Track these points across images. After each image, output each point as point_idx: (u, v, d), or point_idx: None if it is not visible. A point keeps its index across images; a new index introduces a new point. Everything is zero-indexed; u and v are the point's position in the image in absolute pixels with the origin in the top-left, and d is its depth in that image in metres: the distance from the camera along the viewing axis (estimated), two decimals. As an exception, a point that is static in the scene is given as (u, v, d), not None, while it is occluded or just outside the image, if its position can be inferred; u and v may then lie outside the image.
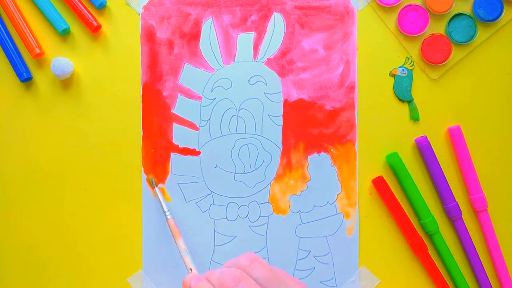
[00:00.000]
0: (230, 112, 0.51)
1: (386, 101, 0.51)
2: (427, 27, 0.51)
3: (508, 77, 0.51)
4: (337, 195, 0.51)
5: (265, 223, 0.51)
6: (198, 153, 0.51)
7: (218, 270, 0.36)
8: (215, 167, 0.51)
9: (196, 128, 0.51)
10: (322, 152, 0.51)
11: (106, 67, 0.52)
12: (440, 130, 0.51)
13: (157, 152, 0.51)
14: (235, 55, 0.51)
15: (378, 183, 0.50)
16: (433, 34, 0.51)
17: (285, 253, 0.51)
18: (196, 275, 0.40)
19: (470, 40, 0.51)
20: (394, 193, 0.51)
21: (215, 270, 0.37)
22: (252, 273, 0.36)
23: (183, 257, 0.47)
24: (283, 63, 0.51)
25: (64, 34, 0.52)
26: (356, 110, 0.51)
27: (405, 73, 0.51)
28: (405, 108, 0.51)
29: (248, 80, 0.51)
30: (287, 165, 0.51)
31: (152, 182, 0.51)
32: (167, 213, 0.49)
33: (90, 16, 0.51)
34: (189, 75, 0.51)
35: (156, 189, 0.50)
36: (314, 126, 0.51)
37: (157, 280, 0.51)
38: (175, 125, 0.51)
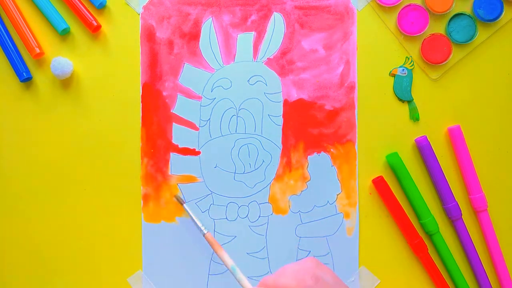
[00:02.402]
0: (230, 112, 0.51)
1: (386, 101, 0.51)
2: (427, 27, 0.51)
3: (508, 77, 0.51)
4: (337, 195, 0.51)
5: (265, 223, 0.51)
6: (198, 153, 0.51)
7: (287, 270, 0.36)
8: (215, 167, 0.51)
9: (196, 128, 0.51)
10: (322, 152, 0.51)
11: (106, 67, 0.52)
12: (440, 130, 0.51)
13: (157, 152, 0.51)
14: (235, 55, 0.51)
15: (378, 183, 0.50)
16: (433, 34, 0.51)
17: (285, 253, 0.51)
18: None
19: (470, 40, 0.51)
20: (394, 193, 0.51)
21: (277, 273, 0.36)
22: (321, 274, 0.36)
23: (231, 272, 0.44)
24: (283, 63, 0.51)
25: (64, 34, 0.52)
26: (356, 110, 0.51)
27: (405, 73, 0.51)
28: (405, 108, 0.51)
29: (248, 80, 0.51)
30: (287, 165, 0.51)
31: (179, 199, 0.50)
32: (203, 228, 0.48)
33: (90, 16, 0.51)
34: (189, 75, 0.51)
35: (185, 205, 0.49)
36: (314, 126, 0.51)
37: (157, 280, 0.51)
38: (175, 125, 0.51)
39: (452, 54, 0.51)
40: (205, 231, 0.47)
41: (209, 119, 0.51)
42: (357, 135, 0.51)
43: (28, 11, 0.52)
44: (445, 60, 0.51)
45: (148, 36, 0.51)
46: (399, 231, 0.51)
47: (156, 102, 0.51)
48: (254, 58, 0.51)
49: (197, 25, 0.51)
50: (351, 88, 0.51)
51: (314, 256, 0.50)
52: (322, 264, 0.38)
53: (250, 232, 0.51)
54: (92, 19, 0.51)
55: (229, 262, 0.44)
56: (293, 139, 0.51)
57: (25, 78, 0.51)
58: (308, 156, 0.51)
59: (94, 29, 0.51)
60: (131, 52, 0.52)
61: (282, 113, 0.51)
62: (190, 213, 0.49)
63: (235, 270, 0.44)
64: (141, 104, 0.52)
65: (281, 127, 0.51)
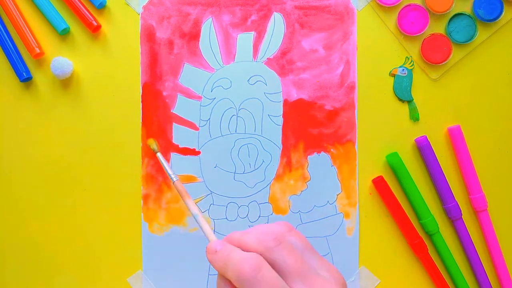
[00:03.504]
0: (230, 112, 0.51)
1: (386, 101, 0.51)
2: (427, 27, 0.51)
3: (508, 77, 0.51)
4: (337, 195, 0.51)
5: (265, 223, 0.51)
6: (198, 153, 0.51)
7: (254, 230, 0.35)
8: (215, 167, 0.51)
9: (196, 128, 0.51)
10: (322, 152, 0.51)
11: (106, 67, 0.52)
12: (440, 130, 0.51)
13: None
14: (235, 55, 0.51)
15: (378, 183, 0.50)
16: (433, 34, 0.51)
17: (285, 253, 0.51)
18: (219, 241, 0.37)
19: (470, 40, 0.51)
20: (394, 193, 0.51)
21: (247, 230, 0.36)
22: (291, 239, 0.35)
23: (198, 222, 0.41)
24: (283, 63, 0.51)
25: (64, 34, 0.52)
26: (356, 110, 0.51)
27: (405, 73, 0.51)
28: (405, 108, 0.51)
29: (248, 80, 0.51)
30: (287, 165, 0.51)
31: (153, 147, 0.47)
32: (172, 176, 0.44)
33: (89, 16, 0.51)
34: (189, 75, 0.51)
35: (159, 154, 0.46)
36: (314, 126, 0.51)
37: (157, 280, 0.51)
38: (175, 125, 0.51)
39: (452, 54, 0.51)
40: (174, 179, 0.44)
41: (209, 119, 0.51)
42: (357, 135, 0.51)
43: (28, 11, 0.52)
44: (445, 60, 0.51)
45: (148, 36, 0.51)
46: (399, 231, 0.51)
47: (156, 102, 0.51)
48: (254, 58, 0.51)
49: (197, 25, 0.51)
50: (351, 88, 0.51)
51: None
52: (294, 230, 0.36)
53: (250, 232, 0.51)
54: (92, 19, 0.51)
55: (195, 210, 0.42)
56: (293, 139, 0.51)
57: (25, 78, 0.51)
58: (308, 156, 0.51)
59: (94, 29, 0.51)
60: (131, 52, 0.52)
61: (282, 113, 0.51)
62: (162, 160, 0.46)
63: (198, 218, 0.42)
64: (141, 104, 0.52)
65: (281, 127, 0.51)
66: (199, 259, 0.51)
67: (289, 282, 0.34)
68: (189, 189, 0.51)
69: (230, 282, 0.35)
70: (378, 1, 0.51)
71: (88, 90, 0.52)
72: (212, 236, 0.40)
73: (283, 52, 0.51)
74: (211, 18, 0.51)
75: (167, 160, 0.51)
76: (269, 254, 0.34)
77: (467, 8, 0.51)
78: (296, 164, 0.51)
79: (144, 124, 0.51)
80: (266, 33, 0.51)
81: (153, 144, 0.47)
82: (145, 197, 0.51)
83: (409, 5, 0.51)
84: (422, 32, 0.51)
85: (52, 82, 0.52)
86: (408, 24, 0.51)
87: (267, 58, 0.51)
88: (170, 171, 0.45)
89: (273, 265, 0.34)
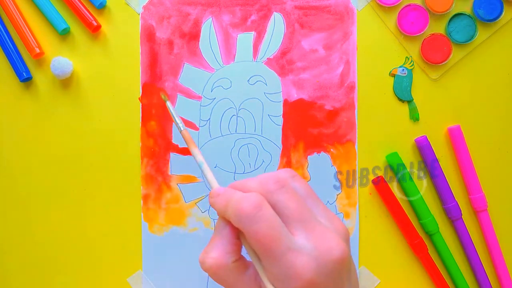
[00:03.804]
0: (230, 112, 0.51)
1: (386, 101, 0.51)
2: (427, 27, 0.51)
3: (508, 77, 0.51)
4: (337, 195, 0.51)
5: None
6: (198, 153, 0.51)
7: (258, 176, 0.35)
8: (215, 167, 0.51)
9: (196, 128, 0.51)
10: (322, 152, 0.51)
11: (106, 67, 0.52)
12: (440, 130, 0.51)
13: (157, 152, 0.51)
14: (235, 55, 0.51)
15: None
16: (433, 34, 0.51)
17: (285, 253, 0.51)
18: (222, 188, 0.37)
19: (470, 40, 0.51)
20: (394, 193, 0.51)
21: (250, 178, 0.36)
22: (294, 185, 0.35)
23: (202, 170, 0.41)
24: (283, 63, 0.51)
25: (64, 34, 0.52)
26: (356, 110, 0.51)
27: (405, 73, 0.51)
28: (405, 108, 0.51)
29: (248, 80, 0.51)
30: (287, 165, 0.51)
31: (163, 96, 0.48)
32: (180, 124, 0.45)
33: (89, 16, 0.51)
34: (188, 75, 0.51)
35: (168, 102, 0.47)
36: (314, 126, 0.51)
37: (157, 280, 0.51)
38: (174, 125, 0.51)
39: (452, 54, 0.51)
40: (182, 128, 0.45)
41: (209, 119, 0.51)
42: (357, 135, 0.51)
43: (28, 11, 0.52)
44: (445, 60, 0.51)
45: (148, 36, 0.51)
46: (399, 231, 0.51)
47: (156, 102, 0.51)
48: (254, 58, 0.51)
49: (197, 25, 0.51)
50: (351, 88, 0.51)
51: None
52: (298, 176, 0.36)
53: (250, 232, 0.51)
54: (92, 19, 0.51)
55: (200, 158, 0.42)
56: (293, 139, 0.51)
57: (25, 78, 0.51)
58: (308, 156, 0.51)
59: (94, 29, 0.51)
60: (131, 52, 0.52)
61: (282, 113, 0.51)
62: (171, 109, 0.46)
63: (203, 166, 0.41)
64: (141, 104, 0.52)
65: (281, 127, 0.51)
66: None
67: (289, 226, 0.33)
68: (189, 189, 0.51)
69: (229, 222, 0.35)
70: (378, 1, 0.51)
71: (88, 90, 0.52)
72: (215, 184, 0.39)
73: (283, 52, 0.51)
74: (211, 18, 0.51)
75: (167, 160, 0.51)
76: (270, 196, 0.34)
77: (467, 8, 0.51)
78: (296, 164, 0.51)
79: (144, 124, 0.51)
80: (266, 33, 0.51)
81: (163, 95, 0.48)
82: (145, 197, 0.51)
83: (409, 5, 0.51)
84: (422, 32, 0.51)
85: (52, 82, 0.52)
86: (408, 24, 0.51)
87: (267, 58, 0.51)
88: (178, 119, 0.45)
89: (274, 208, 0.33)
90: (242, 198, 0.33)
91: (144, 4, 0.52)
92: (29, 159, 0.52)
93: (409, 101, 0.51)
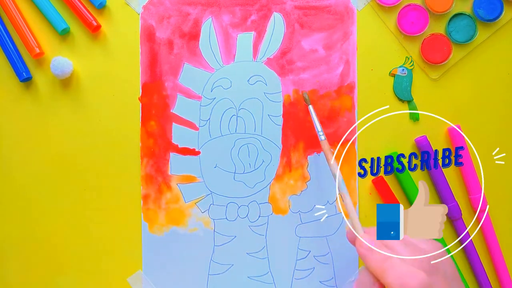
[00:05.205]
0: (230, 112, 0.51)
1: (386, 101, 0.51)
2: (427, 27, 0.51)
3: (508, 77, 0.51)
4: (337, 195, 0.51)
5: (265, 223, 0.51)
6: (198, 153, 0.51)
7: (407, 246, 0.37)
8: (215, 167, 0.51)
9: (196, 128, 0.51)
10: (322, 152, 0.51)
11: (106, 67, 0.52)
12: (440, 130, 0.51)
13: (157, 152, 0.51)
14: (234, 55, 0.51)
15: (378, 183, 0.50)
16: (433, 34, 0.51)
17: (285, 253, 0.51)
18: (369, 237, 0.38)
19: (470, 40, 0.51)
20: (394, 193, 0.51)
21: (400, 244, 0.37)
22: (444, 268, 0.37)
23: (344, 200, 0.42)
24: (283, 63, 0.51)
25: (63, 33, 0.52)
26: (356, 110, 0.51)
27: (405, 73, 0.51)
28: (405, 108, 0.51)
29: (248, 80, 0.51)
30: (287, 165, 0.51)
31: (306, 98, 0.48)
32: (321, 133, 0.46)
33: (89, 16, 0.51)
34: (188, 75, 0.51)
35: (310, 106, 0.47)
36: (314, 126, 0.51)
37: (157, 280, 0.51)
38: (174, 125, 0.51)
39: (452, 54, 0.51)
40: (323, 138, 0.46)
41: (209, 119, 0.51)
42: (357, 135, 0.51)
43: (28, 11, 0.52)
44: (445, 60, 0.51)
45: (148, 36, 0.51)
46: (399, 231, 0.51)
47: (156, 102, 0.51)
48: (254, 58, 0.51)
49: (197, 25, 0.51)
50: (351, 88, 0.51)
51: (314, 256, 0.51)
52: (447, 255, 0.38)
53: (250, 232, 0.51)
54: (92, 19, 0.51)
55: (343, 188, 0.43)
56: (293, 139, 0.51)
57: (25, 78, 0.51)
58: (308, 156, 0.51)
59: (94, 29, 0.51)
60: (131, 52, 0.52)
61: (282, 113, 0.51)
62: (313, 115, 0.47)
63: (346, 198, 0.42)
64: (141, 104, 0.52)
65: (281, 127, 0.51)
66: (199, 259, 0.51)
67: None
68: (189, 189, 0.51)
69: (379, 283, 0.37)
70: (378, 1, 0.51)
71: (88, 90, 0.52)
72: (360, 228, 0.40)
73: (283, 52, 0.51)
74: (211, 18, 0.51)
75: (167, 160, 0.51)
76: (427, 277, 0.35)
77: (467, 8, 0.51)
78: (296, 164, 0.51)
79: (143, 124, 0.51)
80: (266, 33, 0.51)
81: (306, 95, 0.48)
82: (145, 197, 0.51)
83: (409, 5, 0.51)
84: (422, 32, 0.51)
85: (52, 82, 0.52)
86: (408, 24, 0.51)
87: (267, 58, 0.51)
88: (319, 127, 0.46)
89: None
90: (411, 273, 0.35)
91: (144, 4, 0.52)
92: (29, 159, 0.52)
93: (409, 101, 0.51)
